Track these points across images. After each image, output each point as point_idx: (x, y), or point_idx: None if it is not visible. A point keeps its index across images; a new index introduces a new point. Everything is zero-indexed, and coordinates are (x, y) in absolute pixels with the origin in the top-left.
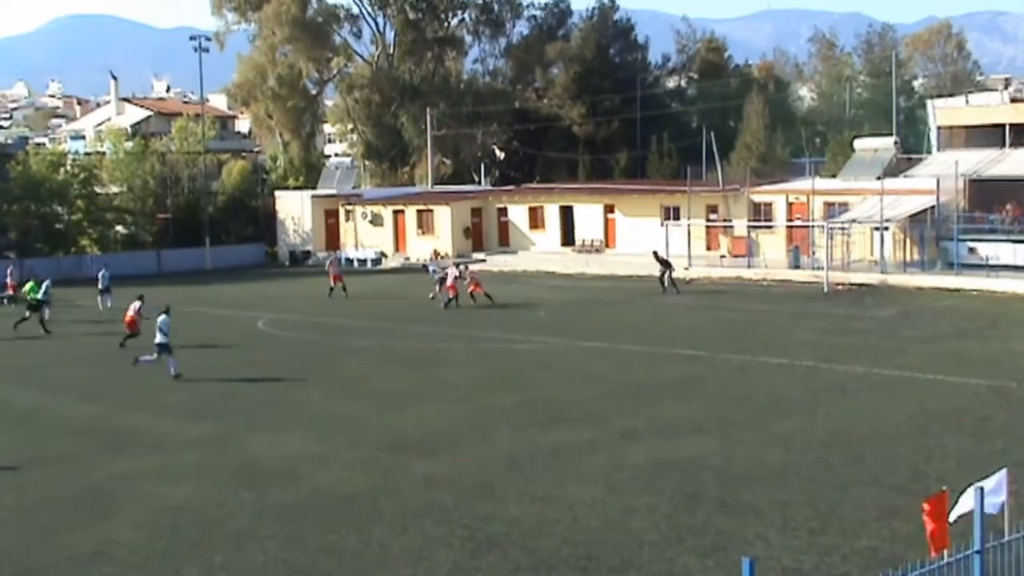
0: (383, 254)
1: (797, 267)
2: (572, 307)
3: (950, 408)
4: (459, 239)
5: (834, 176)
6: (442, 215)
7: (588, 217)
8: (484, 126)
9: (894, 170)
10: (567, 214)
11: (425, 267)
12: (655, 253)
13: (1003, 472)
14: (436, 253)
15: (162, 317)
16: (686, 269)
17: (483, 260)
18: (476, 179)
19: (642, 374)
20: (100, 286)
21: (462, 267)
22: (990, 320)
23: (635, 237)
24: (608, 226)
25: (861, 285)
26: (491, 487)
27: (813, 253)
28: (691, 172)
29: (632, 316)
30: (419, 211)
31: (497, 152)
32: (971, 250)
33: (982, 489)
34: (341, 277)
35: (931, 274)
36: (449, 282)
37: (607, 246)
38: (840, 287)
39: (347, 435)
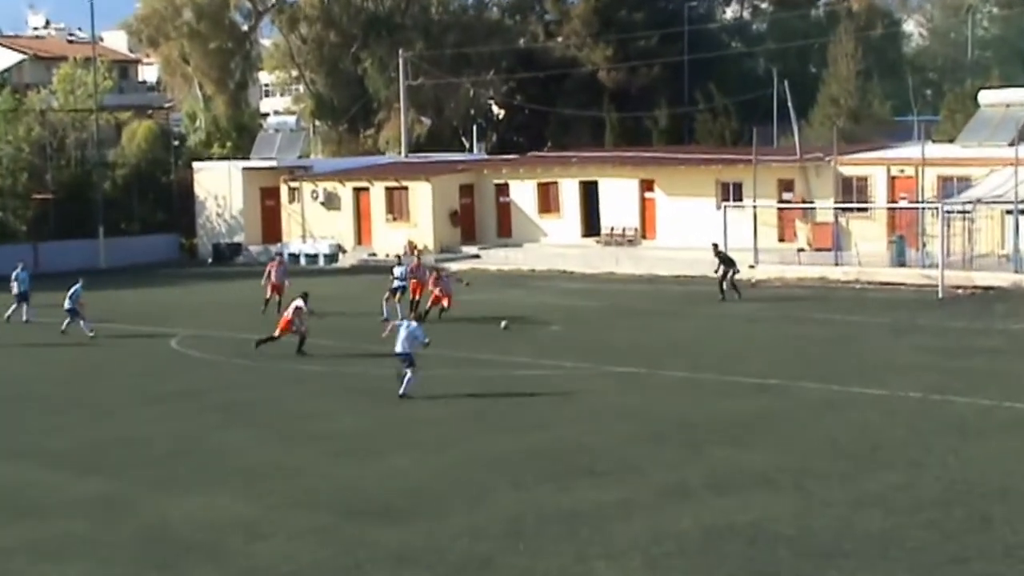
0: (340, 247)
1: (902, 264)
2: (597, 319)
3: None
4: (443, 227)
5: (952, 141)
6: (420, 194)
7: (618, 197)
8: (476, 73)
9: None
10: (590, 193)
11: (397, 261)
12: (715, 246)
13: None
14: (412, 246)
15: (415, 325)
16: (751, 267)
17: (477, 256)
18: (466, 145)
19: (692, 410)
20: (15, 291)
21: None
22: None
23: (682, 224)
24: (645, 209)
25: (988, 288)
26: (488, 564)
27: (924, 245)
28: (757, 136)
29: (679, 331)
30: (389, 189)
31: (494, 109)
32: None
33: None
34: (282, 288)
35: None
36: (435, 289)
37: (644, 236)
38: (960, 291)
39: (289, 494)
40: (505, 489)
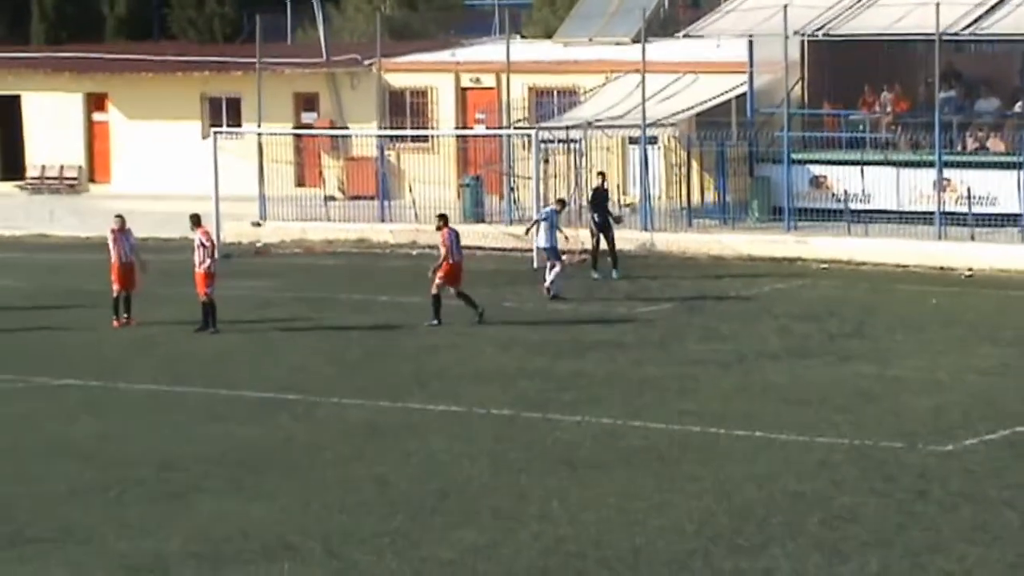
0: None
1: (479, 219)
2: (25, 306)
3: (779, 495)
4: None
5: (550, 36)
6: None
7: (52, 120)
8: None
9: (665, 24)
10: (7, 115)
11: None
12: (602, 177)
13: None
14: None
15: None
16: (257, 225)
17: None
18: None
19: (170, 442)
20: None
21: None
22: (854, 318)
23: (150, 161)
24: (94, 139)
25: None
26: None
27: (511, 191)
28: (261, 29)
29: (152, 324)
30: None
31: None
32: (816, 181)
33: None
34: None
35: (739, 231)
36: None
37: (93, 180)
38: (565, 257)
39: None
40: None
